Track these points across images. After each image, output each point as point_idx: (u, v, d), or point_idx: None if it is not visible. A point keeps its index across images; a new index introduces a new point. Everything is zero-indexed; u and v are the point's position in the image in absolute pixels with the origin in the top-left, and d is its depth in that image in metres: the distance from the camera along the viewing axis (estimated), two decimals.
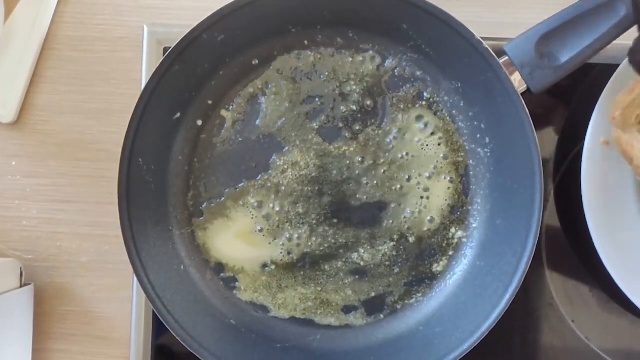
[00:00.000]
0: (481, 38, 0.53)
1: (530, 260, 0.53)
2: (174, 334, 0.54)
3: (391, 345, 0.58)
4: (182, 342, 0.54)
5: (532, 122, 0.53)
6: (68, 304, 0.62)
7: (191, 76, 0.57)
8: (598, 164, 0.57)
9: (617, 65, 0.57)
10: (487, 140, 0.58)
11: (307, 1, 0.56)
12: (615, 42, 0.60)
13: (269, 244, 0.59)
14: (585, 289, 0.61)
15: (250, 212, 0.60)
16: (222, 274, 0.60)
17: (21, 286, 0.59)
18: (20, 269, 0.59)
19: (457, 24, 0.53)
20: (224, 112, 0.60)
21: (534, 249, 0.53)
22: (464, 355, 0.54)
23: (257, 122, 0.60)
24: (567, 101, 0.63)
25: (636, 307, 0.56)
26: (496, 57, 0.53)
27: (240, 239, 0.60)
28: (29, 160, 0.63)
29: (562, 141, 0.62)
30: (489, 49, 0.53)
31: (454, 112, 0.59)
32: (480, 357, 0.60)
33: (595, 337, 0.61)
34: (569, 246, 0.62)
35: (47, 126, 0.63)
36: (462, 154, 0.59)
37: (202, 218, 0.60)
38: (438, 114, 0.59)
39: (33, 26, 0.62)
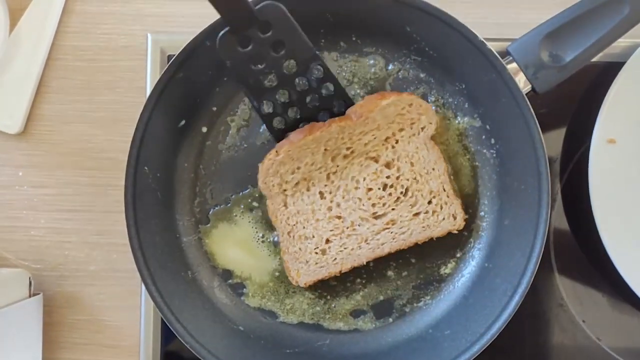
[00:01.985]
0: (485, 39, 0.53)
1: (539, 260, 0.53)
2: (182, 341, 0.54)
3: (401, 348, 0.58)
4: (190, 349, 0.54)
5: (537, 123, 0.53)
6: (77, 313, 0.62)
7: (195, 83, 0.57)
8: (605, 162, 0.57)
9: (623, 64, 0.57)
10: (493, 141, 0.58)
11: (309, 6, 0.56)
12: (620, 40, 0.60)
13: (275, 248, 0.59)
14: (594, 289, 0.61)
15: (256, 218, 0.60)
16: (229, 281, 0.60)
17: (30, 296, 0.59)
18: (29, 279, 0.60)
19: (459, 26, 0.53)
20: (229, 119, 0.60)
21: (542, 249, 0.53)
22: (474, 357, 0.53)
23: (262, 127, 0.60)
24: (573, 100, 0.62)
25: None
26: (500, 58, 0.53)
27: (246, 244, 0.60)
28: (36, 170, 0.63)
29: (568, 140, 0.62)
30: (493, 49, 0.53)
31: (459, 113, 0.59)
32: (491, 358, 0.60)
33: (606, 337, 0.60)
34: (577, 246, 0.61)
35: (54, 136, 0.63)
36: (468, 156, 0.59)
37: (208, 225, 0.60)
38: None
39: (38, 37, 0.62)
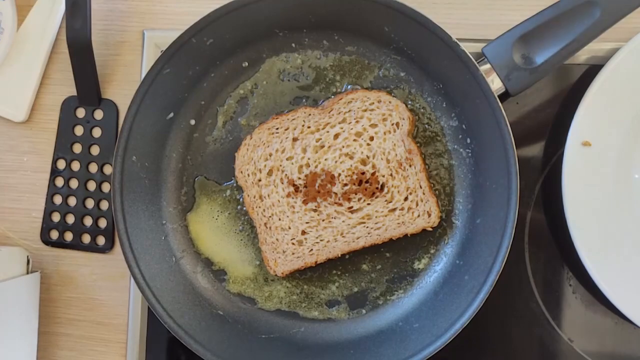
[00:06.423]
0: (465, 40, 0.54)
1: (505, 260, 0.54)
2: (160, 320, 0.57)
3: (371, 339, 0.60)
4: (168, 329, 0.57)
5: (508, 123, 0.53)
6: (72, 291, 0.67)
7: (183, 78, 0.60)
8: (579, 165, 0.57)
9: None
10: (469, 140, 0.59)
11: (292, 6, 0.58)
12: (605, 43, 0.60)
13: (255, 239, 0.62)
14: (568, 290, 0.61)
15: (238, 208, 0.62)
16: (212, 267, 0.62)
17: (28, 273, 0.64)
18: (27, 257, 0.64)
19: (434, 27, 0.54)
20: (216, 112, 0.62)
21: (509, 248, 0.54)
22: (437, 350, 0.54)
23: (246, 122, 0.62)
24: (557, 101, 0.62)
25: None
26: (473, 59, 0.54)
27: (229, 234, 0.62)
28: (38, 156, 0.67)
29: (550, 141, 0.62)
30: (466, 50, 0.54)
31: (437, 112, 0.60)
32: (462, 354, 0.61)
33: (578, 338, 0.61)
34: (553, 246, 0.61)
35: (55, 125, 0.67)
36: (446, 154, 0.60)
37: (193, 213, 0.63)
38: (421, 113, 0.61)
39: (43, 33, 0.66)
